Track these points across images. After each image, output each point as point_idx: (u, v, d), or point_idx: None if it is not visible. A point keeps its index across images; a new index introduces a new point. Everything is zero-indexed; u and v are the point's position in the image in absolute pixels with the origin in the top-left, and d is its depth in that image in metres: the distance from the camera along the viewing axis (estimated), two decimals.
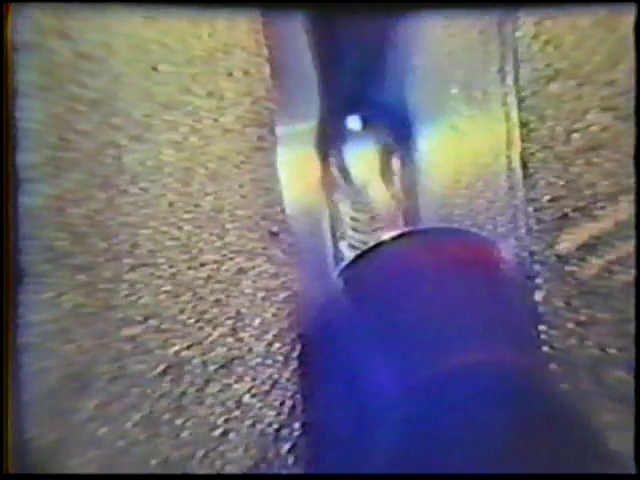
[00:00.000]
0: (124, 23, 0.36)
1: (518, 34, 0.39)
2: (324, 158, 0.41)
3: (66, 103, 0.35)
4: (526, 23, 0.39)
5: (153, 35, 0.36)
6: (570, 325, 0.38)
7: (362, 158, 0.41)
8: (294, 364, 0.38)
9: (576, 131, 0.39)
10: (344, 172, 0.41)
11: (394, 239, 0.36)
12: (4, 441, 0.32)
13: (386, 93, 0.41)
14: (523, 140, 0.39)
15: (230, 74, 0.38)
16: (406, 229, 0.38)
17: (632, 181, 0.35)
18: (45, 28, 0.34)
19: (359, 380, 0.33)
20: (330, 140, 0.41)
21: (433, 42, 0.40)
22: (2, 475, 0.32)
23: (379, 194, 0.41)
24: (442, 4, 0.35)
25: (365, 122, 0.41)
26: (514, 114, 0.39)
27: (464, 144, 0.41)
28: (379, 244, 0.36)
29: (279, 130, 0.39)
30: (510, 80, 0.39)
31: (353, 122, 0.41)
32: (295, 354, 0.38)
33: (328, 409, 0.36)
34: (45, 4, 0.33)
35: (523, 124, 0.39)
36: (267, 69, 0.39)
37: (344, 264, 0.38)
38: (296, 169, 0.40)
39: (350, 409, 0.33)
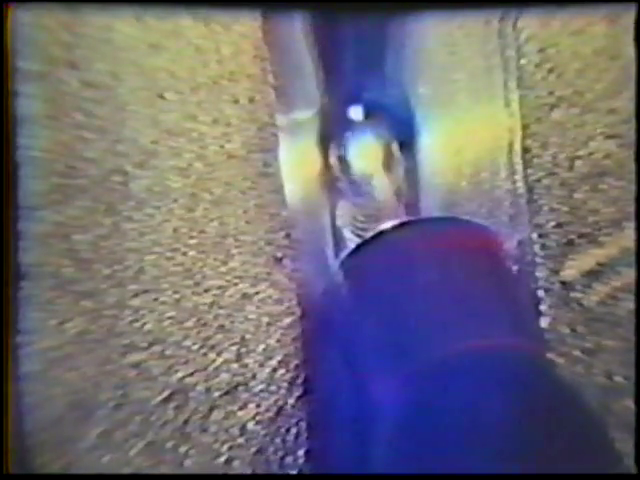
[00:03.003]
0: (131, 52, 0.36)
1: (522, 62, 0.39)
2: (325, 148, 0.41)
3: (73, 131, 0.35)
4: (530, 51, 0.39)
5: (160, 63, 0.37)
6: (576, 352, 0.38)
7: (363, 149, 0.41)
8: (299, 390, 0.37)
9: (580, 158, 0.39)
10: (345, 162, 0.41)
11: (394, 228, 0.36)
12: (4, 443, 0.32)
13: (388, 85, 0.41)
14: (527, 166, 0.39)
15: (236, 101, 0.38)
16: (406, 218, 0.38)
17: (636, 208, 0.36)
18: (53, 58, 0.34)
19: (365, 401, 0.32)
20: (332, 130, 0.41)
21: (437, 70, 0.41)
22: (2, 475, 0.32)
23: (380, 185, 0.41)
24: (442, 4, 0.35)
25: (367, 112, 0.41)
26: (518, 140, 0.40)
27: (466, 169, 0.41)
28: (379, 233, 0.36)
29: (280, 120, 0.39)
30: (514, 107, 0.40)
31: (355, 112, 0.41)
32: (300, 380, 0.38)
33: (333, 436, 0.36)
34: (53, 35, 0.34)
35: (527, 150, 0.39)
36: (272, 96, 0.39)
37: (344, 254, 0.38)
38: (297, 159, 0.40)
39: (355, 436, 0.33)
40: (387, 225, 0.36)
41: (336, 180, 0.41)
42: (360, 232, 0.40)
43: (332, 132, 0.41)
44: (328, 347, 0.36)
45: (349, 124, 0.41)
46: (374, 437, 0.31)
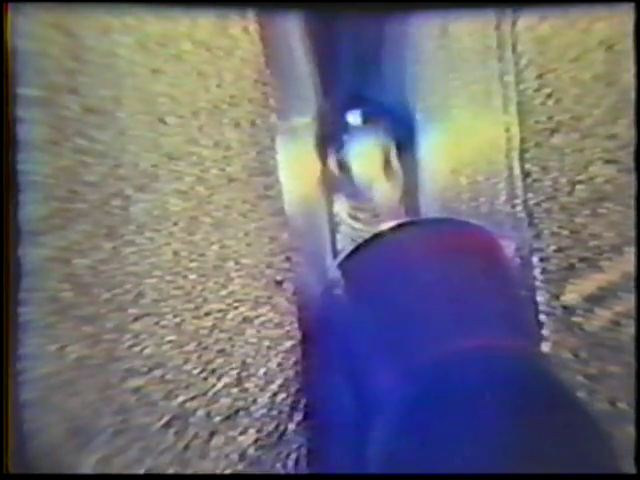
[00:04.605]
0: (133, 77, 0.36)
1: (521, 87, 0.39)
2: (324, 153, 0.41)
3: (74, 156, 0.35)
4: (529, 76, 0.39)
5: (161, 88, 0.37)
6: (579, 378, 0.38)
7: (362, 153, 0.41)
8: (300, 415, 0.37)
9: (580, 182, 0.39)
10: (344, 167, 0.41)
11: (392, 229, 0.36)
12: (4, 444, 0.32)
13: (387, 90, 0.41)
14: (527, 190, 0.40)
15: (237, 125, 0.38)
16: (401, 220, 0.38)
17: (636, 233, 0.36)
18: (55, 84, 0.34)
19: (368, 420, 0.32)
20: (330, 135, 0.41)
21: (436, 95, 0.41)
22: (2, 475, 0.32)
23: (379, 190, 0.40)
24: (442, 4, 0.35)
25: (365, 117, 0.41)
26: (517, 164, 0.40)
27: (465, 193, 0.41)
28: (377, 235, 0.36)
29: (278, 125, 0.39)
30: (513, 131, 0.40)
31: (353, 117, 0.41)
32: (301, 405, 0.37)
33: (335, 461, 0.35)
34: (56, 61, 0.34)
35: (527, 175, 0.40)
36: (273, 119, 0.39)
37: (342, 256, 0.38)
38: (295, 164, 0.39)
39: (358, 461, 0.33)
40: (384, 227, 0.36)
41: (336, 185, 0.41)
42: (359, 237, 0.40)
43: (330, 137, 0.41)
44: (327, 353, 0.36)
45: (347, 129, 0.41)
46: (372, 439, 0.30)
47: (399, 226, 0.36)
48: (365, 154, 0.41)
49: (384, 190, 0.40)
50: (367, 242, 0.36)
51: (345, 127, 0.41)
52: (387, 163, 0.41)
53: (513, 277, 0.37)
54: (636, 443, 0.33)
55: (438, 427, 0.28)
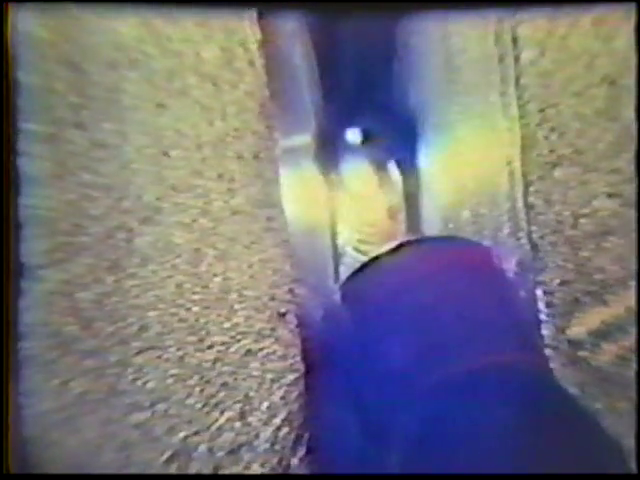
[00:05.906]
0: (137, 111, 0.36)
1: (524, 121, 0.40)
2: (324, 172, 0.41)
3: (78, 190, 0.35)
4: (531, 110, 0.40)
5: (165, 122, 0.37)
6: None
7: (362, 172, 0.41)
8: (303, 450, 0.37)
9: (584, 216, 0.39)
10: (344, 186, 0.41)
11: (391, 251, 0.36)
12: (4, 445, 0.31)
13: (389, 117, 0.41)
14: (531, 223, 0.40)
15: (240, 157, 0.39)
16: (402, 240, 0.38)
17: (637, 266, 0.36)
18: (60, 119, 0.35)
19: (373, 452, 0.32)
20: (330, 154, 0.41)
21: (439, 127, 0.41)
22: (2, 475, 0.31)
23: (379, 208, 0.41)
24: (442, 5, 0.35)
25: (365, 135, 0.41)
26: (520, 197, 0.40)
27: (468, 226, 0.41)
28: (378, 256, 0.36)
29: (279, 145, 0.39)
30: (516, 164, 0.40)
31: (353, 135, 0.41)
32: (304, 439, 0.37)
33: None
34: (61, 96, 0.34)
35: (530, 207, 0.40)
36: (277, 152, 0.39)
37: (344, 280, 0.38)
38: (296, 183, 0.40)
39: None
40: (383, 249, 0.36)
41: (336, 204, 0.41)
42: (361, 256, 0.40)
43: (331, 156, 0.41)
44: (330, 385, 0.36)
45: (347, 147, 0.41)
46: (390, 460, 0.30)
47: (400, 246, 0.36)
48: (362, 172, 0.41)
49: (382, 206, 0.40)
50: (369, 263, 0.37)
51: (344, 145, 0.41)
52: (385, 180, 0.41)
53: (516, 292, 0.37)
54: (636, 443, 0.33)
55: (455, 446, 0.28)
